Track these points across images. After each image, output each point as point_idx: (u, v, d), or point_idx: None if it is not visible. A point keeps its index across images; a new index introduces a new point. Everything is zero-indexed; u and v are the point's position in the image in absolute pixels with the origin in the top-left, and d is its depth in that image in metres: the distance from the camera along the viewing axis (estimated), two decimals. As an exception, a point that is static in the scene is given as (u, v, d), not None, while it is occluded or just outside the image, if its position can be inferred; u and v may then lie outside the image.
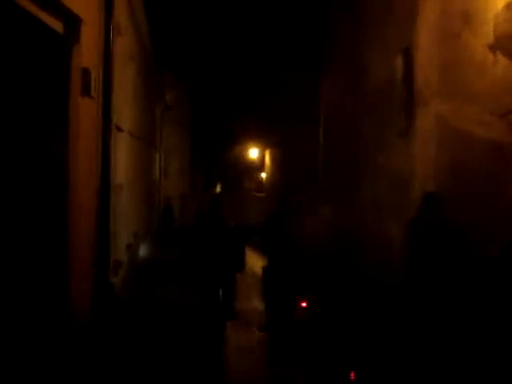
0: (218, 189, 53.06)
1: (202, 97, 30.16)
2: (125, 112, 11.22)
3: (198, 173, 40.95)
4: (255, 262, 11.17)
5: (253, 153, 27.46)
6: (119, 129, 9.73)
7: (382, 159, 11.41)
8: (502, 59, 6.69)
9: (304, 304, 6.34)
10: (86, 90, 5.80)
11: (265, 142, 25.96)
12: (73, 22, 5.51)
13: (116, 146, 9.91)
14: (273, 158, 25.47)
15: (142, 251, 17.95)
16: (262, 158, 27.81)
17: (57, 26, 5.35)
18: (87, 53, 5.92)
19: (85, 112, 5.94)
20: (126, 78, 10.87)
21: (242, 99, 27.84)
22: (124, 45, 10.18)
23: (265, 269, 8.53)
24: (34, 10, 4.82)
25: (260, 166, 28.85)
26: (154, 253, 18.71)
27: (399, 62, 10.98)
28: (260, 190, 29.93)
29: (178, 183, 32.56)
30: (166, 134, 29.23)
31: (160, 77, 25.61)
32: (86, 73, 5.78)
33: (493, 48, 6.90)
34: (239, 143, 28.41)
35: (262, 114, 25.53)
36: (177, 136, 31.23)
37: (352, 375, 5.12)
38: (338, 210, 13.66)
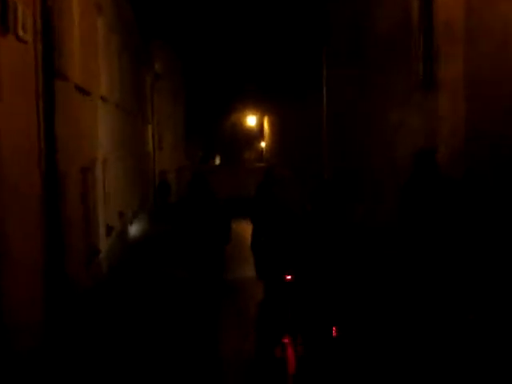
0: (218, 161, 51.57)
1: (196, 64, 28.34)
2: (95, 72, 9.59)
3: (194, 144, 39.33)
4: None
5: (251, 120, 25.69)
6: (84, 91, 8.11)
7: (397, 116, 9.90)
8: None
9: (289, 277, 5.98)
10: (5, 26, 4.19)
11: (263, 107, 24.28)
12: None
13: (84, 112, 8.36)
14: (272, 125, 23.81)
15: (135, 229, 16.57)
16: (261, 125, 26.14)
17: None
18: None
19: (10, 57, 4.35)
20: (91, 32, 9.21)
21: (238, 63, 26.09)
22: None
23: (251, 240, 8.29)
24: None
25: (259, 133, 27.17)
26: (148, 230, 17.35)
27: (414, 2, 9.37)
28: (260, 160, 28.36)
29: (173, 156, 30.97)
30: (158, 104, 27.50)
31: (148, 43, 23.76)
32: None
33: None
34: (236, 110, 26.65)
35: (259, 78, 23.84)
36: (170, 107, 29.48)
37: (334, 331, 5.17)
38: (347, 175, 12.25)
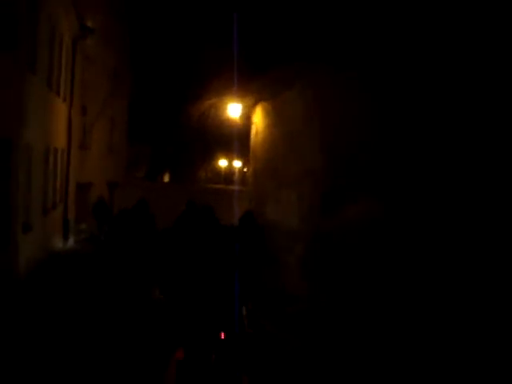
0: (167, 178, 41.64)
1: (149, 23, 18.24)
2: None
3: (139, 152, 29.12)
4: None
5: (233, 111, 15.85)
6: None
7: None
8: None
9: None
10: None
11: (256, 90, 14.56)
12: None
13: None
14: (271, 121, 14.04)
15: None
16: (248, 120, 16.34)
17: None
18: None
19: None
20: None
21: (216, 20, 16.37)
22: None
23: None
24: None
25: (243, 136, 17.25)
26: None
27: None
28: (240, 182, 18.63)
29: (106, 163, 20.82)
30: (85, 77, 17.42)
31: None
32: None
33: None
34: (208, 96, 16.72)
35: (250, 40, 14.20)
36: (105, 85, 19.36)
37: (222, 335, 5.76)
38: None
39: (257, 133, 15.56)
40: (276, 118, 13.61)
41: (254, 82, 14.86)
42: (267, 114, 14.46)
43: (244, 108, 15.91)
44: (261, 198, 14.41)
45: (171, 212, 8.56)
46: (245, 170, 49.76)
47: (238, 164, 48.50)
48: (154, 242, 7.85)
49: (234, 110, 15.61)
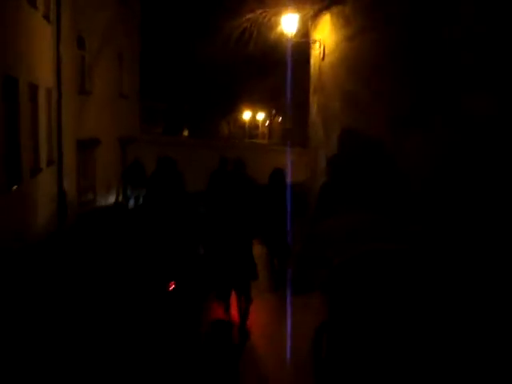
0: (186, 133, 37.15)
1: None
2: None
3: (153, 104, 24.54)
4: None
5: (288, 24, 11.09)
6: None
7: None
8: None
9: None
10: None
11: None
12: None
13: None
14: (355, 30, 9.30)
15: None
16: (305, 38, 11.57)
17: None
18: None
19: None
20: None
21: None
22: None
23: None
24: None
25: (302, 63, 12.36)
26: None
27: None
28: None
29: (116, 114, 16.32)
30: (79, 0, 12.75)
31: None
32: None
33: None
34: (248, 8, 11.93)
35: None
36: (109, 10, 14.62)
37: (171, 285, 6.18)
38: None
39: (324, 54, 10.83)
40: (364, 25, 8.85)
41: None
42: (345, 22, 9.70)
43: (299, 22, 11.15)
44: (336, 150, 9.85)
45: (197, 170, 7.79)
46: (269, 122, 45.20)
47: (261, 116, 43.84)
48: (192, 204, 7.23)
49: (288, 22, 10.86)
